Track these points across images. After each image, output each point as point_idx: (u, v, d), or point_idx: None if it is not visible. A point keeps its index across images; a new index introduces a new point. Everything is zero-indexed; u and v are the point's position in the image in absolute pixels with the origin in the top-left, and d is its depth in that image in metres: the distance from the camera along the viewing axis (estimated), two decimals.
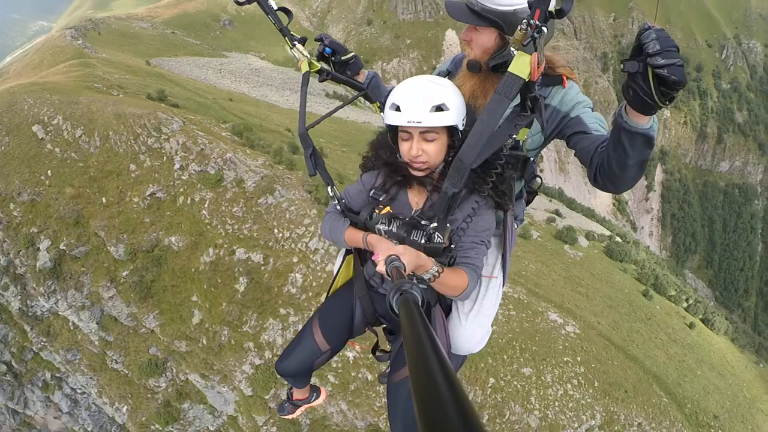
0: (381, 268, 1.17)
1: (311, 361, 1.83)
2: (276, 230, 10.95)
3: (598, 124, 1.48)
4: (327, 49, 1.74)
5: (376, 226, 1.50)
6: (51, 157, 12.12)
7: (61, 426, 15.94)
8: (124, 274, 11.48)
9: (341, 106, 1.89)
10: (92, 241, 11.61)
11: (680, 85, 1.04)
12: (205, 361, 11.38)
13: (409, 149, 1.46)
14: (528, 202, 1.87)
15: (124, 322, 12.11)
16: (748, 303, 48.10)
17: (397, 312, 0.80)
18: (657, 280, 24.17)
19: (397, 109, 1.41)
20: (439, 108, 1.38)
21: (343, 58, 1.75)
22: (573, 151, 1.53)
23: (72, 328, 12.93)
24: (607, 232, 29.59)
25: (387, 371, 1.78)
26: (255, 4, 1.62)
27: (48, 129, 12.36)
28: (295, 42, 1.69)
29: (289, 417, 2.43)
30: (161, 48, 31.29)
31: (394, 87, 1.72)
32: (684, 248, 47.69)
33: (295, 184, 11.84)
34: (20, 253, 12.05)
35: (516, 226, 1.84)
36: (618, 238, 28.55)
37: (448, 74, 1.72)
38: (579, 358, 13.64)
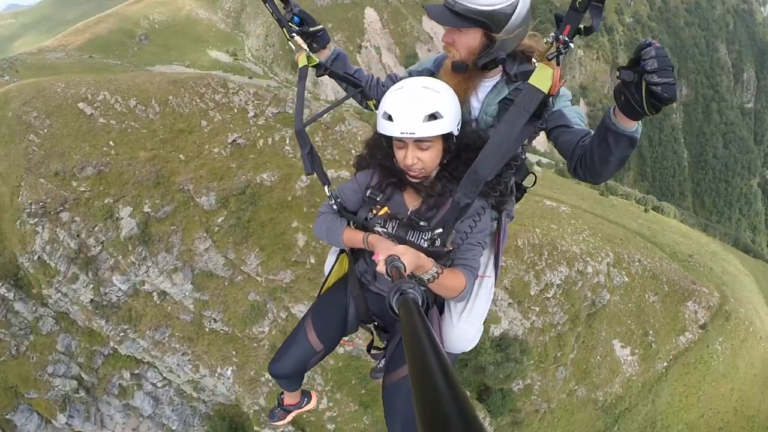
0: (381, 268, 1.21)
1: (305, 362, 1.88)
2: (353, 150, 12.97)
3: (579, 118, 1.56)
4: (295, 18, 1.71)
5: (375, 227, 1.58)
6: (108, 129, 12.52)
7: None
8: (219, 221, 12.35)
9: (336, 104, 1.92)
10: (177, 198, 12.28)
11: (671, 101, 1.13)
12: (314, 282, 12.70)
13: (404, 158, 1.50)
14: (517, 199, 1.91)
15: (221, 273, 12.80)
16: (685, 203, 57.00)
17: (397, 312, 0.84)
18: (606, 185, 30.68)
19: (390, 118, 1.44)
20: (432, 116, 1.40)
21: (311, 29, 1.74)
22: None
23: (158, 301, 13.07)
24: (553, 161, 36.06)
25: (379, 366, 1.87)
26: None
27: (95, 105, 12.71)
28: (294, 33, 1.69)
29: (281, 423, 2.47)
30: (84, 74, 30.08)
31: (358, 69, 1.83)
32: None
33: (354, 115, 13.96)
34: (95, 228, 12.10)
35: (507, 222, 1.91)
36: (562, 164, 35.14)
37: (431, 75, 1.72)
38: (580, 221, 17.93)
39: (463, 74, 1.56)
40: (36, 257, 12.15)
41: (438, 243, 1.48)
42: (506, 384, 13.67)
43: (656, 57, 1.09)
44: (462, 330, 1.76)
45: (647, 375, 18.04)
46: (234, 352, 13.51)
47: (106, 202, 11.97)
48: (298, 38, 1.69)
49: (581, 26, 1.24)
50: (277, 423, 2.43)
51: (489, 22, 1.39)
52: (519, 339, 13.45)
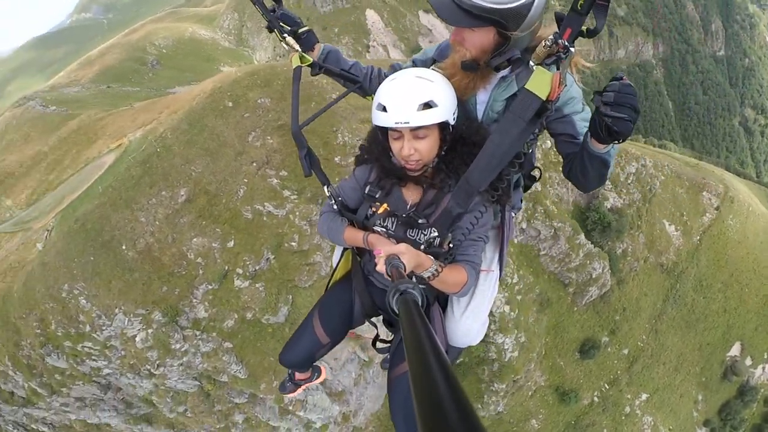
0: (381, 267, 1.29)
1: (313, 353, 2.09)
2: None
3: (585, 127, 1.58)
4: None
5: (375, 225, 1.68)
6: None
7: None
8: None
9: (334, 102, 2.01)
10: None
11: (621, 136, 1.24)
12: None
13: (400, 149, 1.58)
14: (526, 189, 2.00)
15: None
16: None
17: (397, 313, 0.87)
18: None
19: (384, 109, 1.52)
20: (427, 105, 1.47)
21: (298, 30, 1.83)
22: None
23: None
24: None
25: (387, 357, 2.06)
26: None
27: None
28: (285, 35, 1.80)
29: (291, 395, 2.71)
30: (113, 102, 32.61)
31: (355, 62, 1.98)
32: None
33: None
34: None
35: (513, 215, 2.00)
36: None
37: (434, 62, 1.79)
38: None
39: (474, 73, 1.59)
40: None
41: (435, 244, 1.61)
42: (620, 237, 20.38)
43: (616, 91, 1.21)
44: (467, 325, 1.90)
45: (688, 246, 25.63)
46: None
47: None
48: (289, 39, 1.82)
49: (584, 28, 1.21)
50: (288, 394, 2.70)
51: (504, 21, 1.37)
52: (620, 208, 20.28)
